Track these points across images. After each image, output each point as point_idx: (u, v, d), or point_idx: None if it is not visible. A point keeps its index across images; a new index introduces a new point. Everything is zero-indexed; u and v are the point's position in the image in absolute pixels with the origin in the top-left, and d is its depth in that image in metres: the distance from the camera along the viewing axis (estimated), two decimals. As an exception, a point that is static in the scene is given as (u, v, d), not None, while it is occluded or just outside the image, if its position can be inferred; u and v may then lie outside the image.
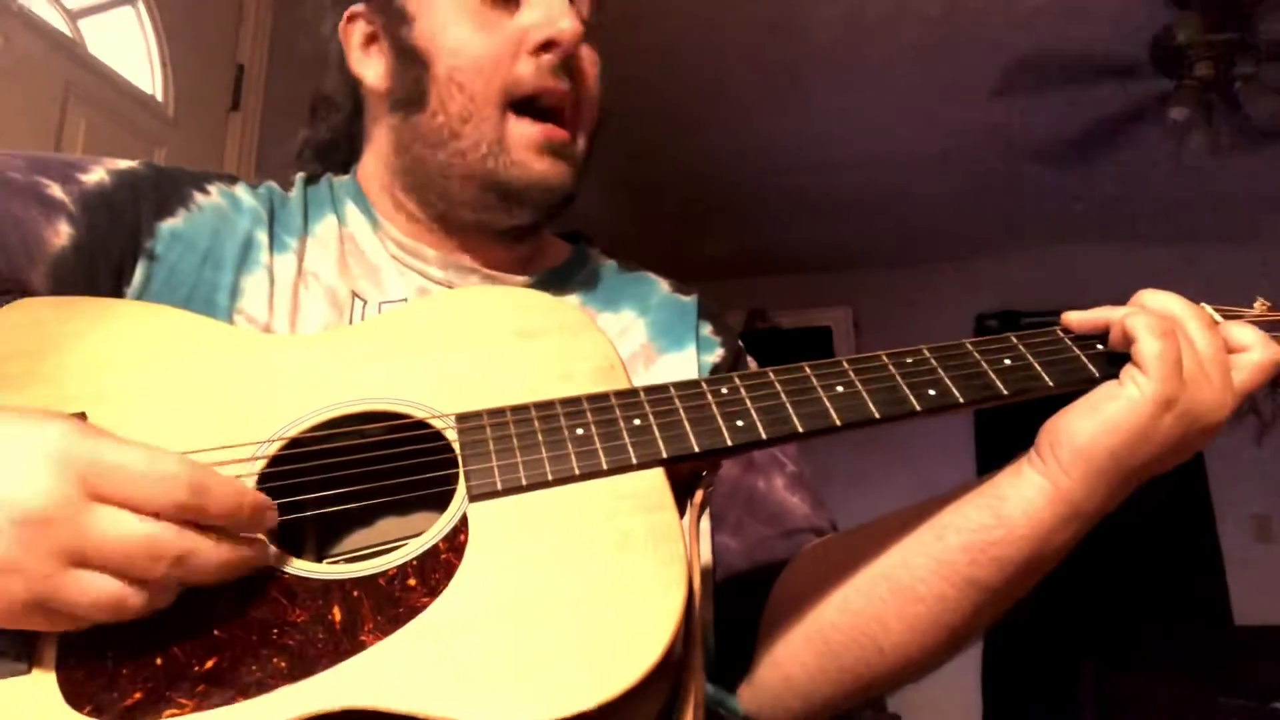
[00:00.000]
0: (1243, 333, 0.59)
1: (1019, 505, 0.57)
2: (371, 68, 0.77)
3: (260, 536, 0.49)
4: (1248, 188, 3.98)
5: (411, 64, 0.73)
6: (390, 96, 0.76)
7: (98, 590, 0.43)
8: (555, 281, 0.81)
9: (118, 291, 0.67)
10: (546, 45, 0.70)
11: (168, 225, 0.70)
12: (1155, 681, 3.67)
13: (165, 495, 0.44)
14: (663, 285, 0.86)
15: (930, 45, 3.13)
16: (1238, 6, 2.81)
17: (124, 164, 0.73)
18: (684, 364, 0.78)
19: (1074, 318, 0.61)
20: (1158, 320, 0.56)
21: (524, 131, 0.72)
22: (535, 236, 0.82)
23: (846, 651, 0.63)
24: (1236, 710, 3.39)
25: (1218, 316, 0.61)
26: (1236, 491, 4.28)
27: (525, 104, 0.72)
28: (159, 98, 2.22)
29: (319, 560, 0.56)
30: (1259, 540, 4.26)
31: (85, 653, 0.45)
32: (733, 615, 0.72)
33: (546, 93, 0.71)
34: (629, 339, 0.78)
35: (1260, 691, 3.40)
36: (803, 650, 0.66)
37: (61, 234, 0.65)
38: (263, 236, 0.73)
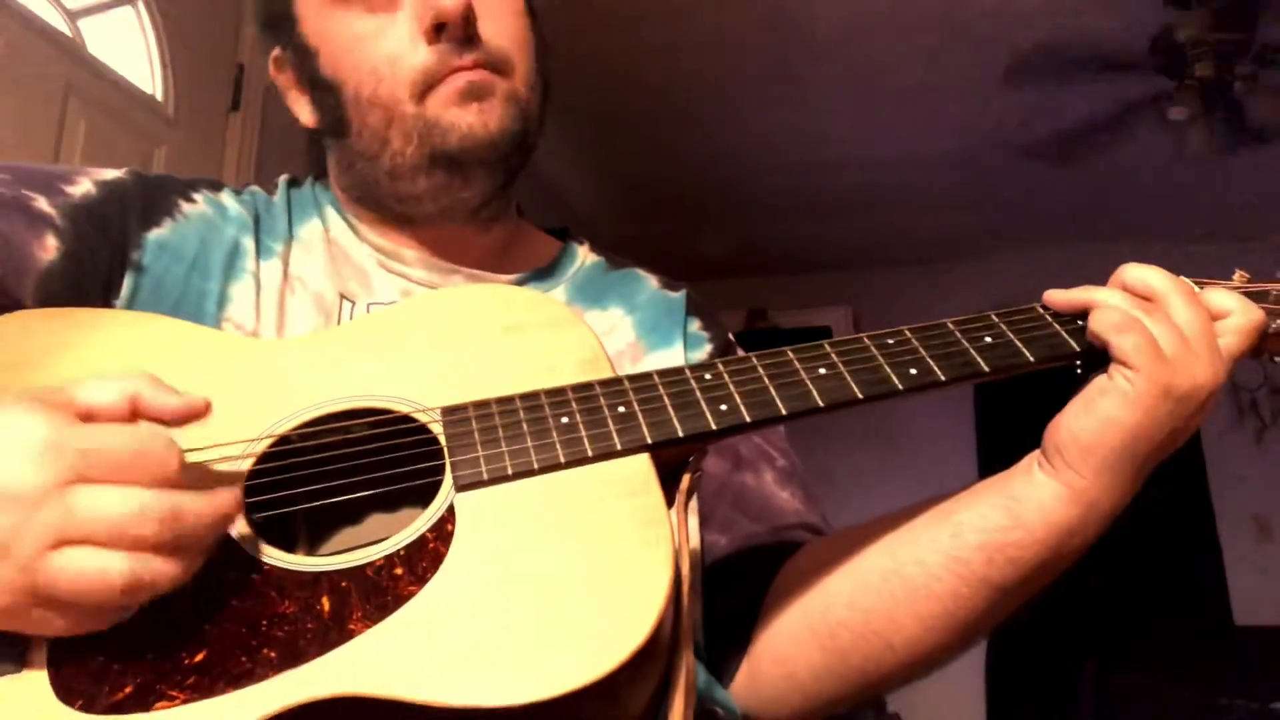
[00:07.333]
0: (1224, 299, 0.59)
1: (1035, 509, 0.57)
2: (302, 107, 0.78)
3: (231, 488, 0.49)
4: (1248, 187, 3.98)
5: (327, 94, 0.74)
6: (322, 128, 0.77)
7: (93, 565, 0.43)
8: (542, 279, 0.81)
9: (106, 304, 0.66)
10: (437, 28, 0.69)
11: (154, 236, 0.70)
12: (1155, 681, 3.66)
13: (159, 473, 0.45)
14: (651, 281, 0.85)
15: (931, 45, 3.14)
16: (1239, 7, 2.81)
17: (110, 175, 0.72)
18: (671, 362, 0.77)
19: (1056, 296, 0.61)
20: (1118, 314, 0.56)
21: (441, 95, 0.70)
22: (506, 210, 0.81)
23: (855, 649, 0.63)
24: (1236, 710, 3.38)
25: (1195, 287, 0.60)
26: (1236, 491, 4.29)
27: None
28: (159, 98, 2.22)
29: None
30: (1259, 540, 4.26)
31: (76, 649, 0.46)
32: (724, 613, 0.72)
33: (455, 73, 0.70)
34: (616, 337, 0.78)
35: (1260, 691, 3.39)
36: (808, 648, 0.65)
37: (49, 248, 0.64)
38: (249, 243, 0.73)
